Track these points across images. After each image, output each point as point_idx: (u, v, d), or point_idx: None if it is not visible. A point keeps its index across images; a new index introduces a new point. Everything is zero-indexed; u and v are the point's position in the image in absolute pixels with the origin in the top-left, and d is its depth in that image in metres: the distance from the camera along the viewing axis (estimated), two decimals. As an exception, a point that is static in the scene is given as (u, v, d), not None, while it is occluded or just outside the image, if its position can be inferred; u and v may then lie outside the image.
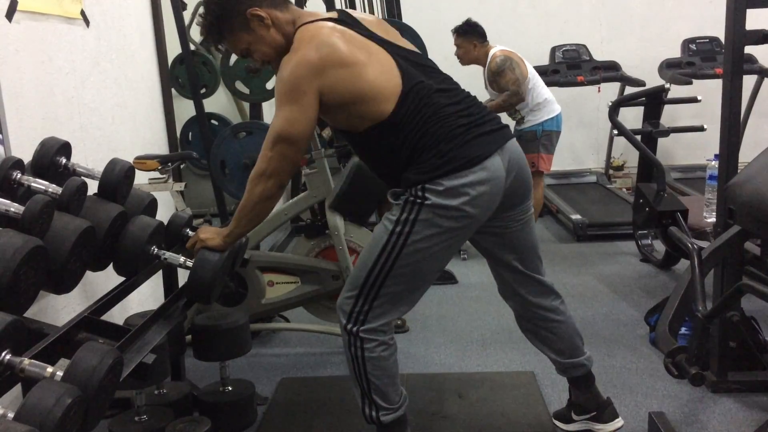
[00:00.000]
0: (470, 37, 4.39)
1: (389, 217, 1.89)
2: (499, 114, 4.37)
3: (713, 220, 2.76)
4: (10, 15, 2.11)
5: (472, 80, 3.87)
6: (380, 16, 4.57)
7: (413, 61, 1.92)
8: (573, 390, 2.29)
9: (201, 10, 1.96)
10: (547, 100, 4.39)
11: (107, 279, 2.31)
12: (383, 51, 1.88)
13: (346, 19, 1.91)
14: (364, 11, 4.60)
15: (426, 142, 1.83)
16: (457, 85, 1.99)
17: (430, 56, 3.26)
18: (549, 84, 5.37)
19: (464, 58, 4.45)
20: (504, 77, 4.24)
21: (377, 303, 1.91)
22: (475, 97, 2.00)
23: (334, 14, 1.95)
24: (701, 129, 4.08)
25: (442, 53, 5.57)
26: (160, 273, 2.34)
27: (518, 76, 4.24)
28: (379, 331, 1.94)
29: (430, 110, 1.84)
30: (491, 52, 4.33)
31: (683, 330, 2.59)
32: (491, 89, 4.39)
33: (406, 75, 1.86)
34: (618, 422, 2.23)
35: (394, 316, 1.97)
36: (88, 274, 1.89)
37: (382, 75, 1.84)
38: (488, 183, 1.85)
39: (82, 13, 2.59)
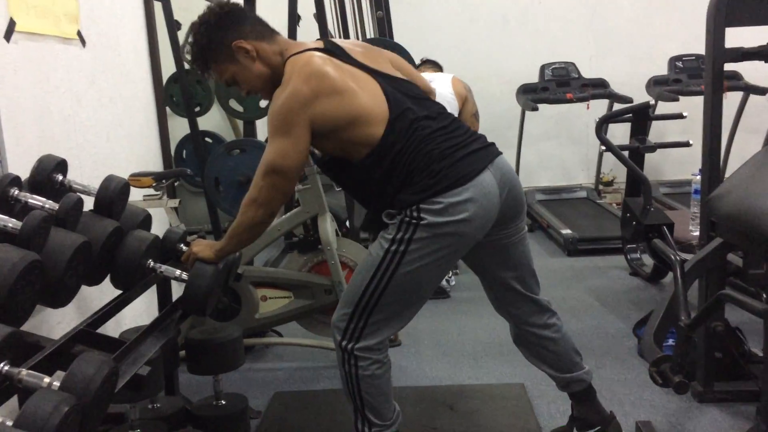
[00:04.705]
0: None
1: (385, 236, 1.92)
2: None
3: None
4: (8, 35, 2.17)
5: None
6: (371, 36, 4.64)
7: (400, 89, 1.97)
8: (575, 405, 2.29)
9: (190, 38, 2.01)
10: None
11: (102, 294, 2.34)
12: (370, 78, 1.93)
13: (333, 49, 1.95)
14: (356, 31, 4.67)
15: (418, 165, 1.87)
16: (444, 109, 2.04)
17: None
18: (539, 101, 5.47)
19: None
20: None
21: (372, 320, 1.94)
22: (460, 120, 2.04)
23: (320, 44, 1.98)
24: (687, 144, 4.14)
25: (434, 71, 5.66)
26: (153, 289, 2.37)
27: None
28: (374, 349, 1.96)
29: (419, 134, 1.89)
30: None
31: (670, 341, 2.63)
32: None
33: (393, 102, 1.90)
34: None
35: (389, 333, 1.99)
36: (83, 289, 1.92)
37: (371, 100, 1.89)
38: (481, 199, 1.88)
39: (79, 33, 2.65)
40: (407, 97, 1.95)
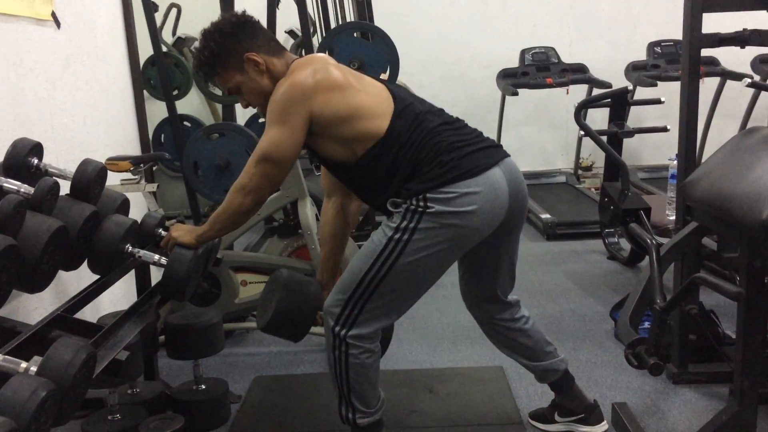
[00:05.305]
0: None
1: (389, 224, 1.90)
2: None
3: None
4: (-20, 17, 2.12)
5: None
6: (351, 19, 4.62)
7: (405, 91, 2.04)
8: (556, 394, 2.32)
9: (197, 43, 2.00)
10: None
11: (79, 279, 2.32)
12: (374, 81, 2.00)
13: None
14: (336, 15, 4.65)
15: (426, 156, 1.87)
16: (444, 111, 2.05)
17: (402, 59, 3.34)
18: (519, 86, 5.48)
19: None
20: None
21: (368, 308, 1.92)
22: (464, 121, 2.04)
23: None
24: (665, 129, 4.17)
25: (415, 56, 5.65)
26: (132, 274, 2.36)
27: None
28: (367, 338, 1.95)
29: (424, 126, 1.91)
30: None
31: (646, 324, 2.67)
32: None
33: (397, 97, 1.95)
34: (604, 425, 2.28)
35: (383, 324, 1.97)
36: (60, 275, 1.91)
37: (373, 98, 1.93)
38: (490, 194, 1.88)
39: (53, 14, 2.60)
40: (411, 96, 2.02)
